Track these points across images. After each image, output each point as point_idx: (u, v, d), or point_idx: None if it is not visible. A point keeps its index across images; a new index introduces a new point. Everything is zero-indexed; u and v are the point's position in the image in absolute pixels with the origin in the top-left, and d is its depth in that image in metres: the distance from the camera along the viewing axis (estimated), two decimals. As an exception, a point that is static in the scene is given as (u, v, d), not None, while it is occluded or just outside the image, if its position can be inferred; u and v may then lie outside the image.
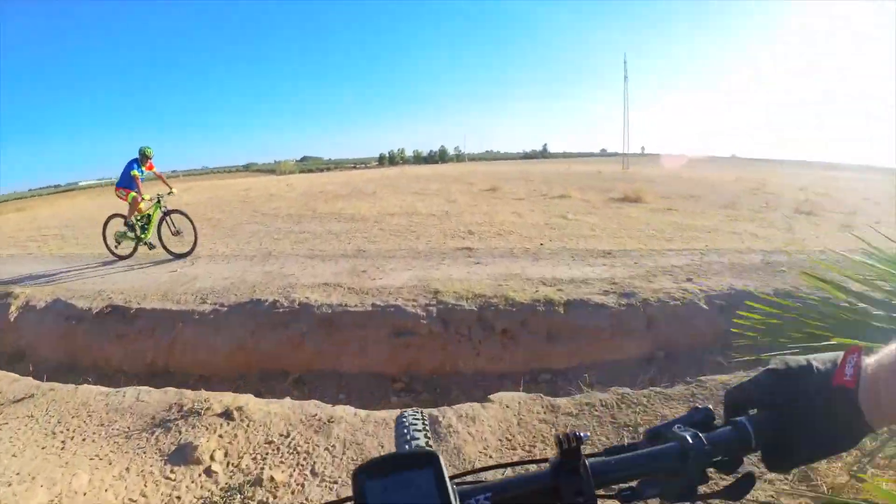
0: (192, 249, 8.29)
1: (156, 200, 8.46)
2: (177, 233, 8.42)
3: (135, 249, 8.70)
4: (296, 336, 5.35)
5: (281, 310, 5.52)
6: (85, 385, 4.23)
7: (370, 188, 17.96)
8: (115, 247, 8.65)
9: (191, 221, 8.31)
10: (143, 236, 8.53)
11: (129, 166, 8.39)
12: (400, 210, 11.88)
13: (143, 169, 8.48)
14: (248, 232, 10.13)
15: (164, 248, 8.41)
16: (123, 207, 8.60)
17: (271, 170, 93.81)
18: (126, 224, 8.53)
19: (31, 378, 4.53)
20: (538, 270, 6.42)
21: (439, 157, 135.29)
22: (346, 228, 9.86)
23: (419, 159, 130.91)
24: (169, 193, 8.55)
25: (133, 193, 8.39)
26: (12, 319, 6.86)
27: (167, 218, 8.41)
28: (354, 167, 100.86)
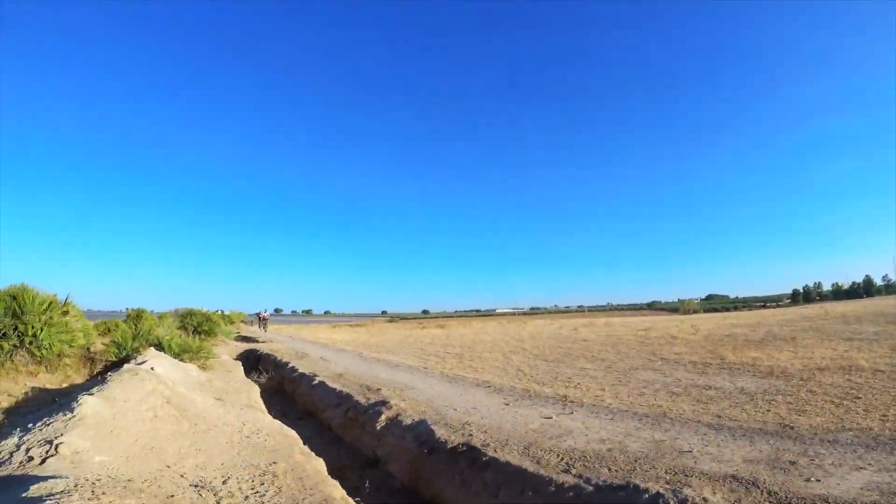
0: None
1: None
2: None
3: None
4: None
5: (666, 513, 3.41)
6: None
7: (786, 331, 13.84)
8: None
9: None
10: None
11: None
12: (831, 363, 8.19)
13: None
14: (641, 381, 8.38)
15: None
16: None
17: (674, 308, 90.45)
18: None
19: None
20: None
21: (863, 289, 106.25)
22: (763, 387, 7.12)
23: (839, 294, 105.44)
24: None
25: None
26: (378, 428, 6.93)
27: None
28: (764, 306, 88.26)
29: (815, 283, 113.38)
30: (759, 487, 3.54)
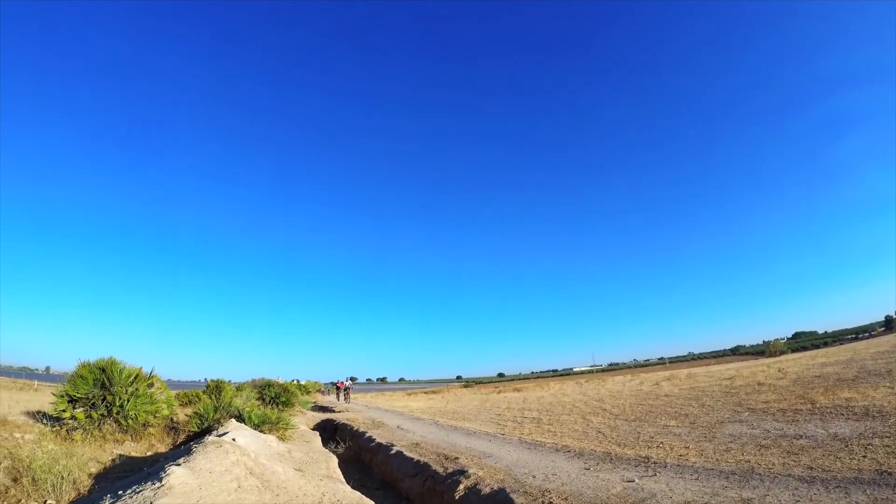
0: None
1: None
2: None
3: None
4: None
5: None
6: None
7: (881, 365, 12.59)
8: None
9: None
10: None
11: None
12: None
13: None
14: (727, 434, 7.96)
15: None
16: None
17: (760, 351, 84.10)
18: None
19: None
20: None
21: None
22: (858, 431, 6.60)
23: None
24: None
25: None
26: (457, 497, 6.94)
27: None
28: (856, 337, 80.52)
29: None
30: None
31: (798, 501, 4.45)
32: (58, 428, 8.65)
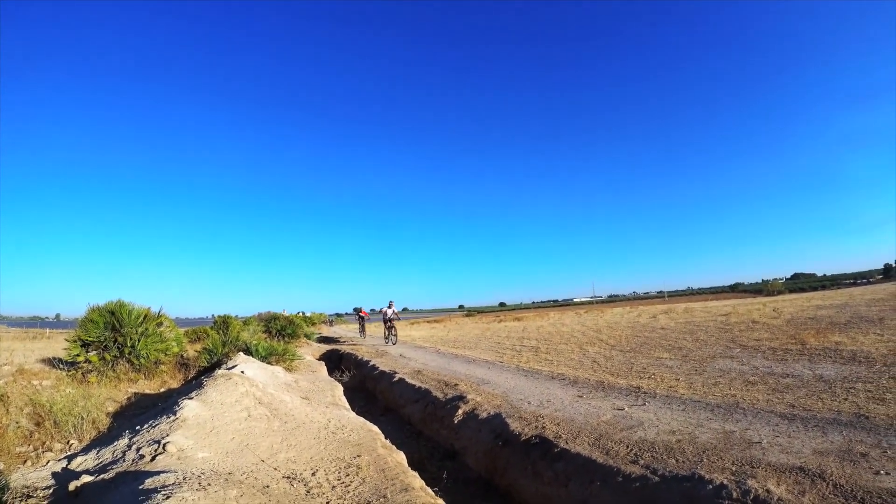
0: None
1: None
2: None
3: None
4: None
5: (725, 502, 3.46)
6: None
7: (874, 312, 12.74)
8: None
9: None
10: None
11: None
12: None
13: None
14: (717, 369, 8.18)
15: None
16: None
17: (758, 290, 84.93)
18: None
19: None
20: None
21: None
22: (843, 374, 6.76)
23: None
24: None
25: None
26: (456, 422, 7.25)
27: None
28: (854, 283, 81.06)
29: None
30: (825, 480, 3.51)
31: (777, 437, 4.64)
32: (73, 372, 9.00)
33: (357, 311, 30.67)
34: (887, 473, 3.50)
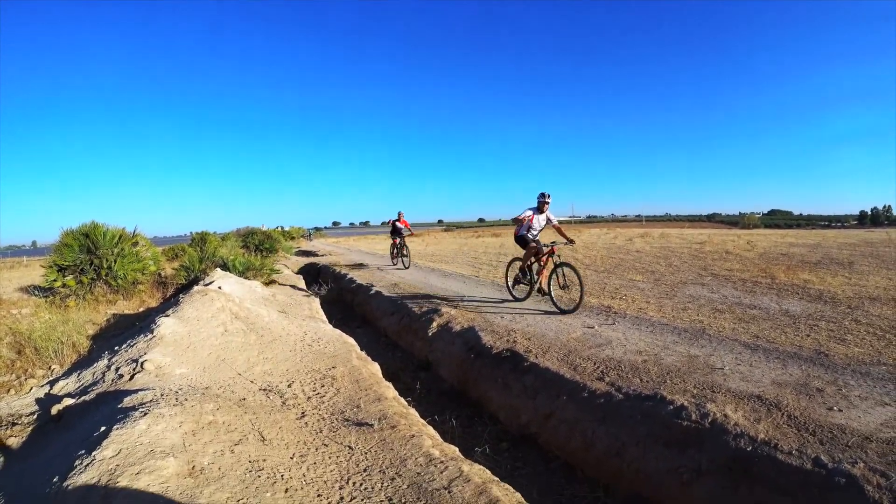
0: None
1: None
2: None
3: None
4: (686, 470, 3.39)
5: (684, 423, 3.69)
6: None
7: (845, 255, 13.08)
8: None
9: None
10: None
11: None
12: (884, 293, 7.74)
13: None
14: (687, 295, 8.37)
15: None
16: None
17: (734, 222, 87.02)
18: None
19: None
20: None
21: None
22: (808, 312, 6.94)
23: None
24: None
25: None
26: (430, 335, 7.40)
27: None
28: (829, 225, 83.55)
29: (884, 206, 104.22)
30: (780, 410, 3.67)
31: (739, 364, 4.83)
32: (51, 298, 8.93)
33: (393, 222, 16.80)
34: (839, 410, 3.65)
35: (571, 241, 7.95)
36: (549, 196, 8.24)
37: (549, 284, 7.81)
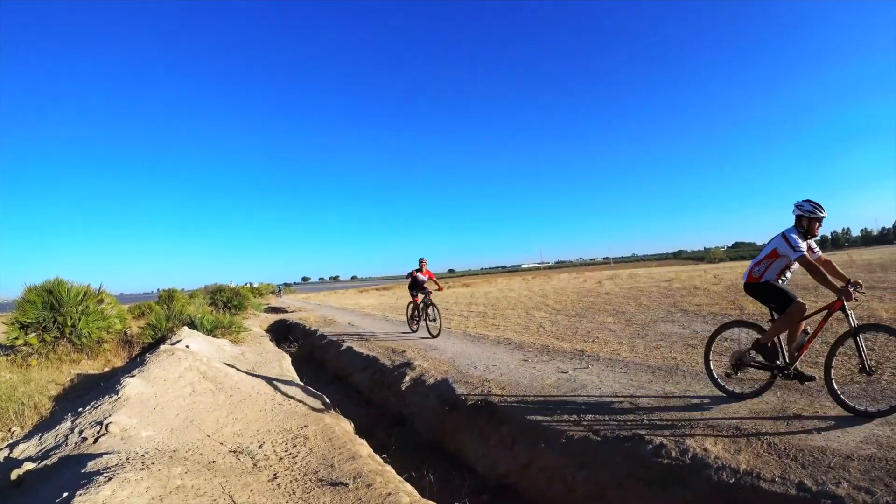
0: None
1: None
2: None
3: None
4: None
5: (664, 461, 3.67)
6: None
7: (809, 280, 13.47)
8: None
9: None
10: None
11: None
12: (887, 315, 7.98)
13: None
14: (659, 333, 8.50)
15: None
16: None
17: (700, 257, 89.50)
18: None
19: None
20: None
21: (895, 234, 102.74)
22: None
23: (868, 239, 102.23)
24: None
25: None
26: (404, 388, 7.29)
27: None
28: None
29: (843, 229, 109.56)
30: (760, 440, 3.72)
31: (715, 398, 4.90)
32: (13, 356, 8.55)
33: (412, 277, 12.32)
34: (819, 432, 3.72)
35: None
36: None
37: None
